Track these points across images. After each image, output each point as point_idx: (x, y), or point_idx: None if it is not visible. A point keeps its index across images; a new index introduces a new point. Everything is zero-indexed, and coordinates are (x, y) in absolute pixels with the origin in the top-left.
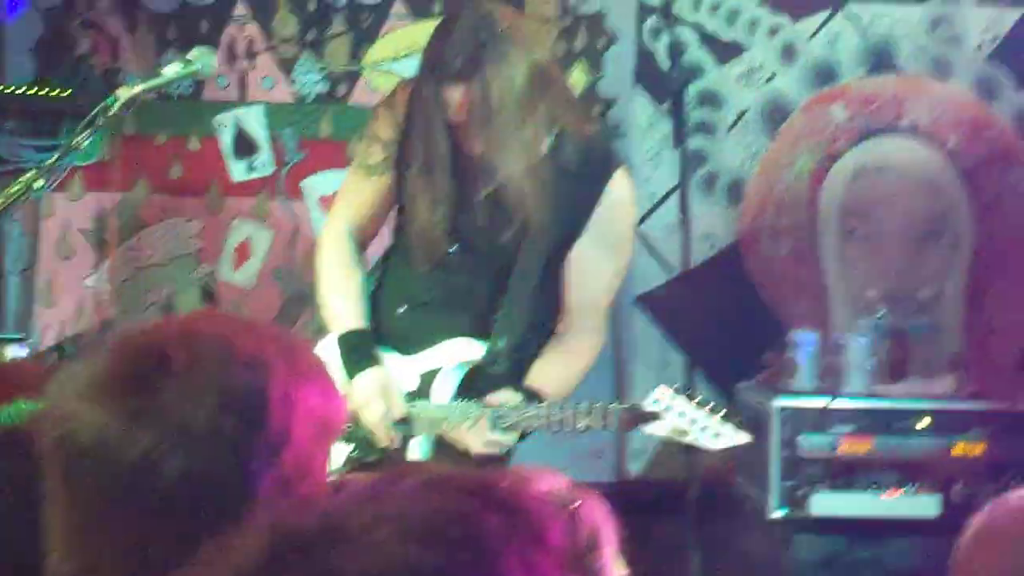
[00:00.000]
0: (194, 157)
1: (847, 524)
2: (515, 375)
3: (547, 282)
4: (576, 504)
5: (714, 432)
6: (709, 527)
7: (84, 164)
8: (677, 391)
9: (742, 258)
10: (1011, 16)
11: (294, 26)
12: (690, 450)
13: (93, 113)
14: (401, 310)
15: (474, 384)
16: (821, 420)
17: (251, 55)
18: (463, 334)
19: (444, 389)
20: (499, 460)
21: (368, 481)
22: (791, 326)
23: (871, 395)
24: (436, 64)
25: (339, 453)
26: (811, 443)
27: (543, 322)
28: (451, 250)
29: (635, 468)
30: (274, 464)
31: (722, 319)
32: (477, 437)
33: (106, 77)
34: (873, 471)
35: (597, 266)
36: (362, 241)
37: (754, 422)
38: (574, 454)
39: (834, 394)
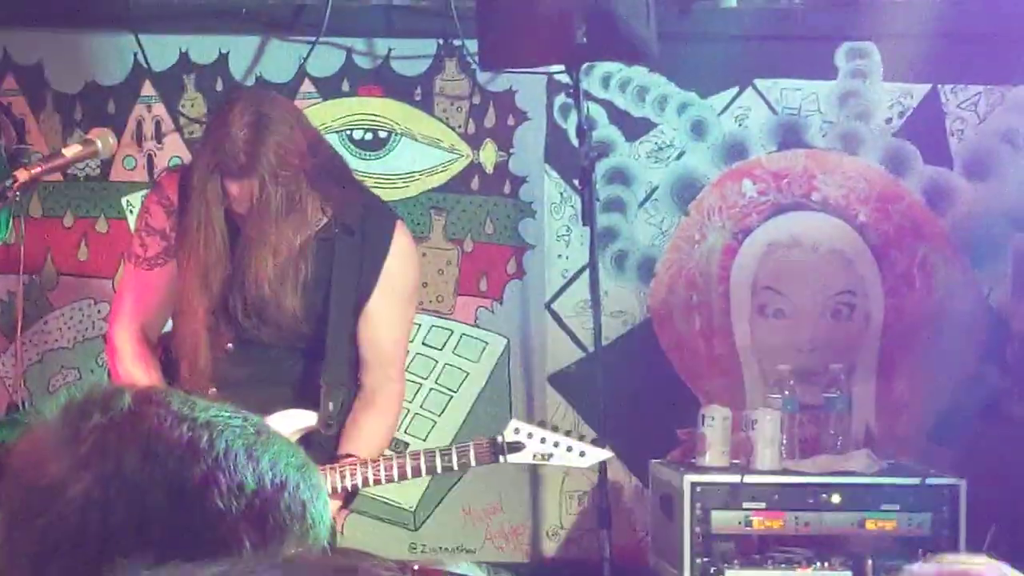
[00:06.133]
0: (101, 239)
1: None
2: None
3: (354, 341)
4: None
5: (579, 451)
6: None
7: None
8: (531, 423)
9: (654, 334)
10: (919, 91)
11: (202, 106)
12: (604, 529)
13: None
14: (211, 391)
15: (311, 450)
16: (733, 497)
17: (159, 136)
18: (284, 407)
19: None
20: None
21: None
22: (704, 402)
23: (783, 471)
24: (216, 159)
25: None
26: (723, 519)
27: (357, 379)
28: (229, 345)
29: (550, 548)
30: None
31: (635, 396)
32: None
33: (12, 158)
34: (786, 547)
35: (389, 318)
36: (154, 333)
37: (667, 499)
38: (488, 534)
39: (745, 471)
